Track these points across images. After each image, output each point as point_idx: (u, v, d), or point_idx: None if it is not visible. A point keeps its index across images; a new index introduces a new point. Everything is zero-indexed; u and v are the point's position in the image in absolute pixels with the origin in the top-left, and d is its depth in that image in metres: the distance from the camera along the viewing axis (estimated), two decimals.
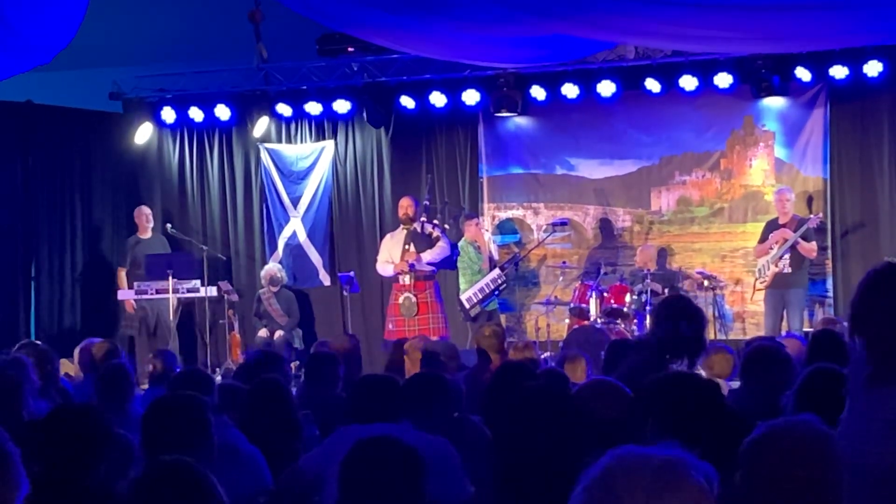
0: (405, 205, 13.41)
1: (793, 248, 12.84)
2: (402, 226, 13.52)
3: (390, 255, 13.19)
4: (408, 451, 3.65)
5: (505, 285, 13.60)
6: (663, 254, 14.16)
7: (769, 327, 12.83)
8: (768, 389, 5.81)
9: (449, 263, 13.28)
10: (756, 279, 13.26)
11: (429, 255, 12.79)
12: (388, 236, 13.67)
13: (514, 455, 3.67)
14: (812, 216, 13.11)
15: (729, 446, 3.42)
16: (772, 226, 13.18)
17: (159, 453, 4.05)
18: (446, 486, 4.45)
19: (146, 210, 14.82)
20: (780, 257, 12.88)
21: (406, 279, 12.82)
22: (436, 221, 13.22)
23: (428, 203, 13.65)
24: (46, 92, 14.36)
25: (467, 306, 13.27)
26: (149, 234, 14.69)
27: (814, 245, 12.94)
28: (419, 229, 12.95)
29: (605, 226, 14.63)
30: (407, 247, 12.92)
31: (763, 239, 13.19)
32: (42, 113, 14.91)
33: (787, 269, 12.88)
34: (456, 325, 13.71)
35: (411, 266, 12.70)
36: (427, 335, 11.70)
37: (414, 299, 12.72)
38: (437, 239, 12.91)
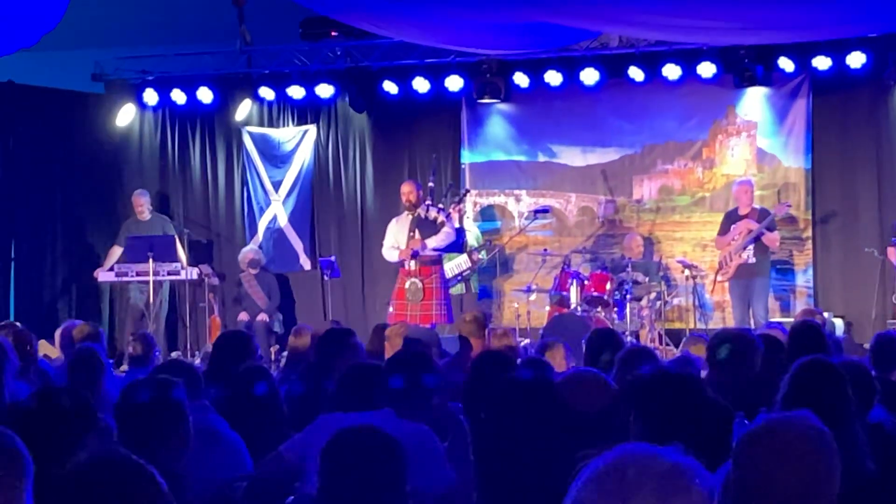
0: (406, 191, 12.81)
1: (756, 239, 12.89)
2: (406, 211, 13.11)
3: (396, 239, 12.84)
4: (389, 441, 3.65)
5: (469, 273, 13.63)
6: (648, 243, 14.18)
7: (738, 318, 12.90)
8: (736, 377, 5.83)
9: (456, 247, 13.10)
10: (717, 270, 13.29)
11: (434, 242, 12.44)
12: (393, 221, 13.11)
13: (497, 444, 3.67)
14: (779, 204, 13.17)
15: (713, 440, 3.44)
16: (732, 217, 13.20)
17: (133, 439, 4.05)
18: (428, 474, 4.45)
19: (142, 199, 14.60)
20: (744, 248, 12.92)
21: (412, 264, 12.57)
22: (441, 206, 12.95)
23: (433, 185, 13.33)
24: (28, 72, 14.27)
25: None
26: (147, 217, 14.59)
27: (777, 235, 13.01)
28: (423, 214, 12.67)
29: (586, 213, 14.62)
30: (412, 234, 12.64)
31: (724, 231, 13.19)
32: (23, 93, 14.81)
33: (752, 260, 12.92)
34: (458, 313, 13.53)
35: (415, 253, 12.45)
36: (429, 321, 11.74)
37: (420, 284, 12.40)
38: (442, 224, 12.59)
